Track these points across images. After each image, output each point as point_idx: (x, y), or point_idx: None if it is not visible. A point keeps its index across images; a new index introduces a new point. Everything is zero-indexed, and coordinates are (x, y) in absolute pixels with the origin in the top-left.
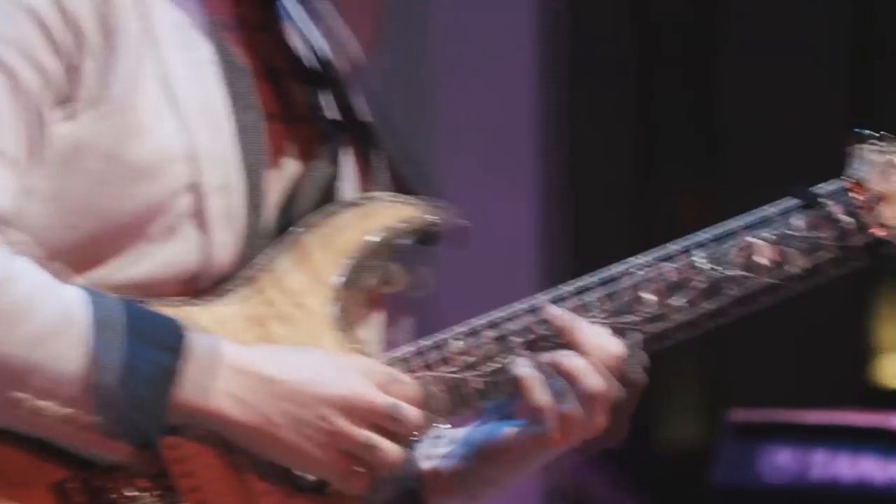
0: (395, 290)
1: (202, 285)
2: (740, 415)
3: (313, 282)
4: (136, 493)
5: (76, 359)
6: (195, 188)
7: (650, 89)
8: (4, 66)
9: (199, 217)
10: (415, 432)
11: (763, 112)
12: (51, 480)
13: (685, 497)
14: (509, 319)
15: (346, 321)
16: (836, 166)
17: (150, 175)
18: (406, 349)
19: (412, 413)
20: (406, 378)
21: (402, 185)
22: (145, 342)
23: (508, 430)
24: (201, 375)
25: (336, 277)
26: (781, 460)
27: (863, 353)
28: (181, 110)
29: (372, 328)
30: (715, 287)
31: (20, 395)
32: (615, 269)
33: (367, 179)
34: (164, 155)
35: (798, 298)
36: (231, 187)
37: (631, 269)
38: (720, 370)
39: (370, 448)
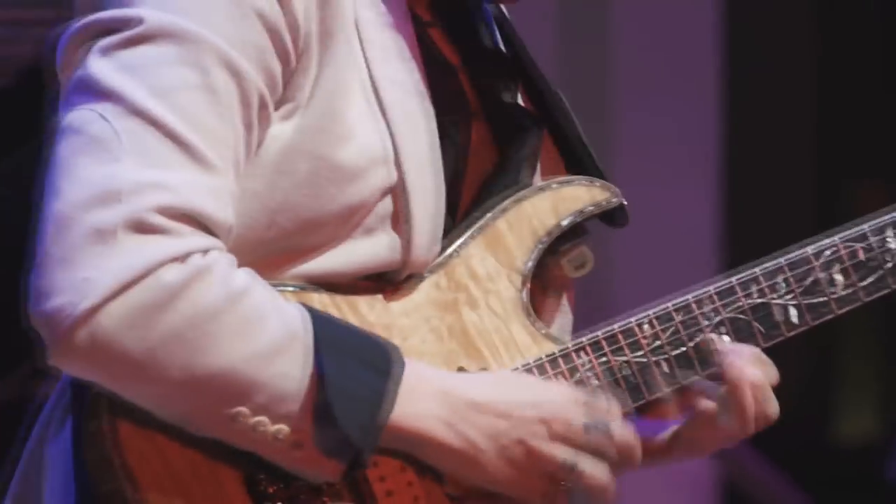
0: (584, 273)
1: (397, 280)
2: None
3: (504, 267)
4: None
5: (301, 377)
6: (396, 190)
7: (830, 83)
8: (235, 70)
9: (398, 218)
10: (617, 446)
11: None
12: (241, 474)
13: (861, 493)
14: (697, 302)
15: (535, 307)
16: None
17: (355, 177)
18: (590, 335)
19: (612, 427)
20: (603, 398)
21: (585, 168)
22: (364, 364)
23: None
24: (411, 398)
25: (527, 262)
26: None
27: None
28: (386, 114)
29: (561, 313)
30: None
31: (242, 409)
32: (805, 248)
33: (557, 165)
34: (369, 157)
35: None
36: (430, 190)
37: (821, 248)
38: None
39: (571, 469)
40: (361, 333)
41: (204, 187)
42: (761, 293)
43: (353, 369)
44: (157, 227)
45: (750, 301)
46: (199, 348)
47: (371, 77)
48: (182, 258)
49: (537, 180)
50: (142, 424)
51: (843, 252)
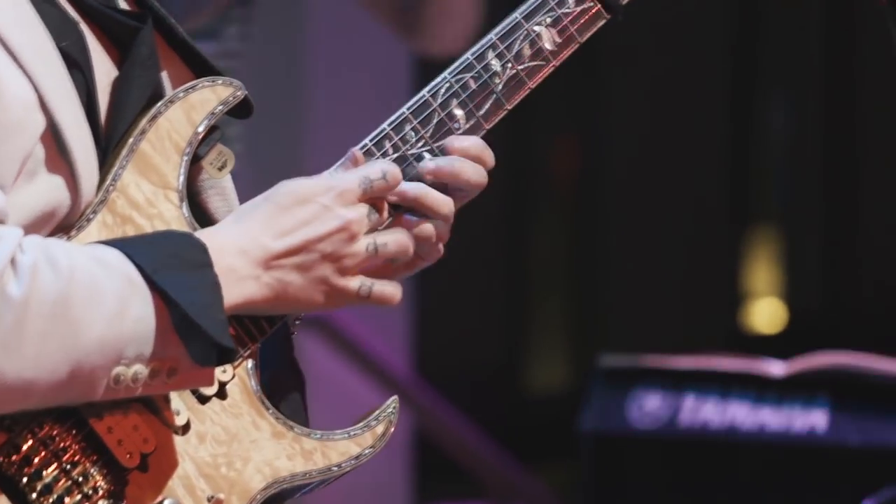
0: (230, 171)
1: (69, 226)
2: (609, 360)
3: (159, 188)
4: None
5: (153, 313)
6: (50, 130)
7: None
8: None
9: (57, 158)
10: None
11: None
12: None
13: (554, 443)
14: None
15: (206, 213)
16: None
17: (18, 129)
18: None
19: (384, 167)
20: (374, 182)
21: (201, 65)
22: (187, 265)
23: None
24: (228, 276)
25: (178, 177)
26: (651, 406)
27: (734, 297)
28: (20, 58)
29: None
30: (514, 83)
31: (119, 368)
32: (423, 92)
33: (174, 64)
34: (22, 106)
35: (670, 244)
36: (81, 122)
37: (436, 88)
38: (589, 315)
39: (378, 251)
40: (165, 237)
41: None
42: (395, 148)
43: (184, 276)
44: None
45: (388, 157)
46: (69, 336)
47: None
48: (11, 265)
49: (166, 84)
50: None
51: (455, 86)
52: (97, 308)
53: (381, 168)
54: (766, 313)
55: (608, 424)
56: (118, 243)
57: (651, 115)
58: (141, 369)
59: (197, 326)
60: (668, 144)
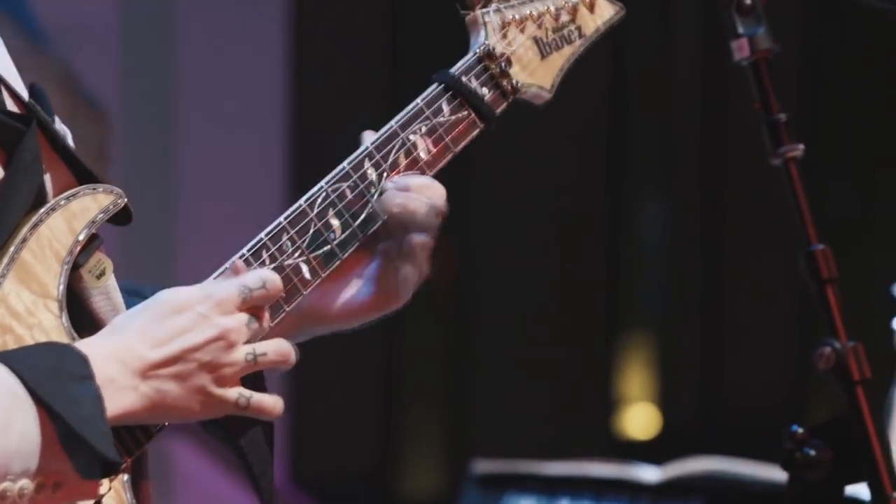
0: (107, 279)
1: None
2: (483, 465)
3: (39, 297)
4: None
5: (37, 428)
6: None
7: None
8: None
9: None
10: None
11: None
12: None
13: None
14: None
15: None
16: None
17: None
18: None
19: (263, 275)
20: (255, 291)
21: (82, 171)
22: (70, 377)
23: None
24: (108, 387)
25: (58, 286)
26: None
27: (607, 403)
28: None
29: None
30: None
31: (4, 484)
32: (300, 202)
33: (57, 167)
34: None
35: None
36: None
37: (313, 198)
38: (463, 420)
39: (256, 360)
40: (47, 350)
41: None
42: (273, 258)
43: (67, 389)
44: None
45: (266, 267)
46: None
47: None
48: None
49: (48, 187)
50: None
51: (332, 195)
52: None
53: (261, 276)
54: (640, 419)
55: None
56: (2, 357)
57: (525, 220)
58: (27, 484)
59: (82, 439)
60: (543, 250)
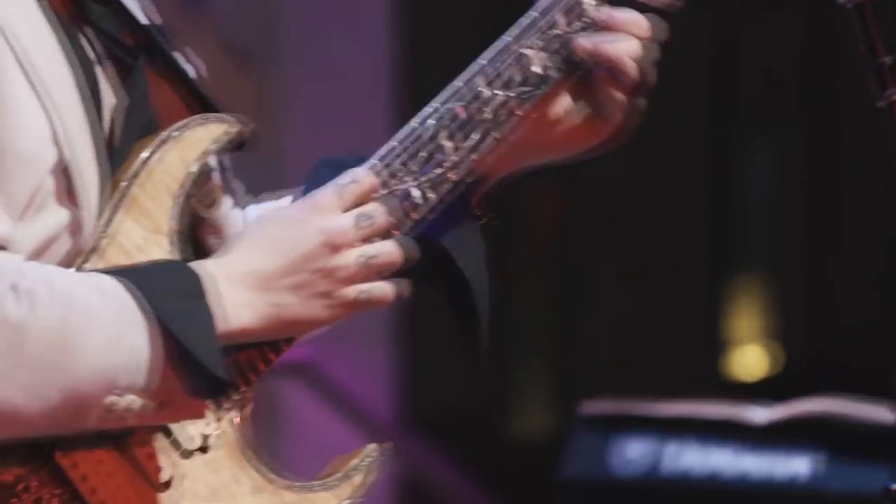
0: (218, 210)
1: (73, 259)
2: (592, 407)
3: (150, 233)
4: None
5: (148, 343)
6: (59, 167)
7: None
8: None
9: (63, 194)
10: (394, 219)
11: None
12: None
13: (536, 491)
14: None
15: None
16: None
17: (32, 160)
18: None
19: (378, 209)
20: (347, 186)
21: (198, 99)
22: (184, 295)
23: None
24: (221, 304)
25: (169, 221)
26: (633, 453)
27: (716, 344)
28: (40, 91)
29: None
30: (503, 111)
31: (112, 398)
32: (412, 123)
33: (167, 99)
34: (38, 138)
35: (651, 288)
36: (88, 158)
37: (425, 120)
38: (573, 361)
39: (367, 262)
40: (161, 268)
41: None
42: (384, 185)
43: (179, 306)
44: None
45: (383, 190)
46: (64, 364)
47: (14, 51)
48: (11, 290)
49: (159, 120)
50: None
51: (445, 116)
52: (93, 337)
53: (350, 174)
54: (750, 360)
55: (590, 471)
56: (116, 272)
57: (630, 162)
58: (134, 399)
59: (191, 357)
60: (648, 191)
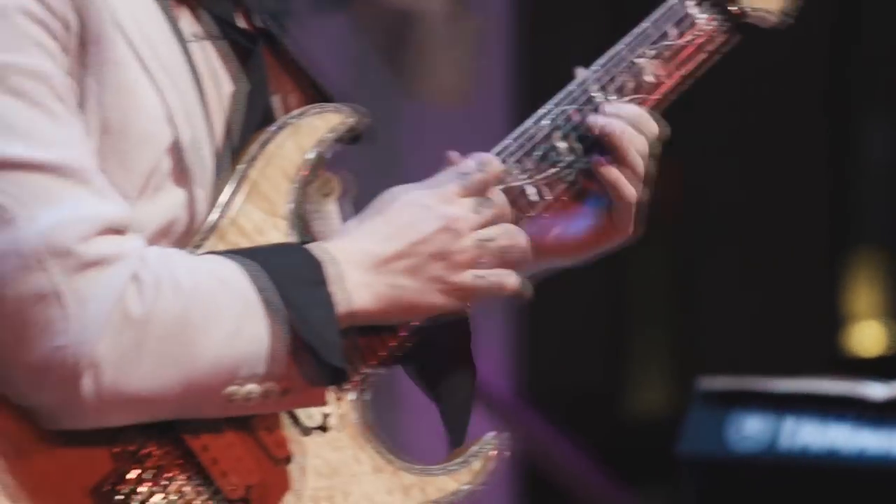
0: (335, 198)
1: (188, 241)
2: (710, 382)
3: (268, 215)
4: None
5: (268, 333)
6: (175, 146)
7: None
8: (36, 73)
9: (179, 173)
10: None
11: None
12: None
13: (654, 468)
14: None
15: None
16: None
17: (149, 140)
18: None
19: (499, 196)
20: (472, 175)
21: (316, 89)
22: (303, 282)
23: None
24: (342, 288)
25: (287, 205)
26: (751, 429)
27: (835, 320)
28: (155, 72)
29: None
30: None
31: (233, 388)
32: (526, 123)
33: (285, 86)
34: (153, 117)
35: (769, 265)
36: (201, 139)
37: (539, 120)
38: (690, 338)
39: (485, 245)
40: (281, 252)
41: (93, 198)
42: (501, 180)
43: (300, 294)
44: (91, 260)
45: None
46: (186, 355)
47: (125, 32)
48: (134, 281)
49: (276, 106)
50: None
51: (559, 117)
52: (215, 328)
53: (475, 160)
54: (868, 336)
55: (707, 448)
56: (237, 257)
57: (751, 137)
58: (254, 388)
59: (310, 346)
60: (767, 169)
